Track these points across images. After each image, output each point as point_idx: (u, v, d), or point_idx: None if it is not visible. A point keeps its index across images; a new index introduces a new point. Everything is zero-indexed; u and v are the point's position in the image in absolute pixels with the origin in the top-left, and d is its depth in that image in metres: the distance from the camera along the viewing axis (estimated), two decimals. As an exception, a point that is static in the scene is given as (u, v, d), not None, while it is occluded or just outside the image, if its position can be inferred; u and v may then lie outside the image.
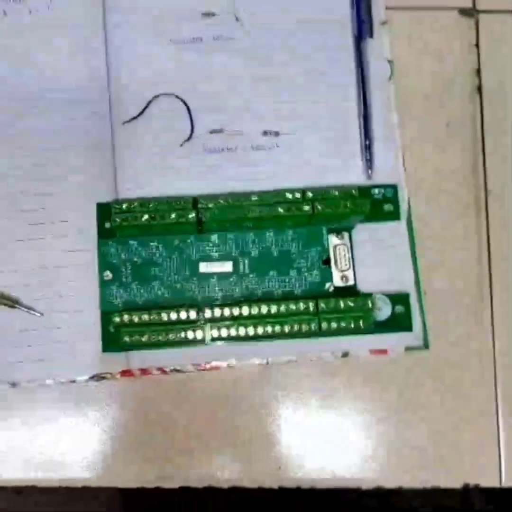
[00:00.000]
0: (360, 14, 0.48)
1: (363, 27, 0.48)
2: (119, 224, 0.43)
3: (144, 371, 0.45)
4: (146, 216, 0.43)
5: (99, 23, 0.48)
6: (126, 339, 0.42)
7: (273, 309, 0.42)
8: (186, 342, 0.43)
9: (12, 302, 0.44)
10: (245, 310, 0.42)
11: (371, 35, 0.48)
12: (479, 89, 0.48)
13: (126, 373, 0.45)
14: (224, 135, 0.47)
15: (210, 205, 0.43)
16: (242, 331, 0.43)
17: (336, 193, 0.44)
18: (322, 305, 0.42)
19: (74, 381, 0.45)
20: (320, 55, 0.48)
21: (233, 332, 0.43)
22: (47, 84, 0.47)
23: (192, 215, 0.43)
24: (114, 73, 0.47)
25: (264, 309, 0.42)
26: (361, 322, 0.43)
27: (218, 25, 0.48)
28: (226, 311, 0.42)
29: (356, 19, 0.48)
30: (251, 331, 0.43)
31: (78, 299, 0.45)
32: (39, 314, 0.44)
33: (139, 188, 0.46)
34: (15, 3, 0.48)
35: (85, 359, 0.44)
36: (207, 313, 0.42)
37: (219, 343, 0.43)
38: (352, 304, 0.42)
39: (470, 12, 0.49)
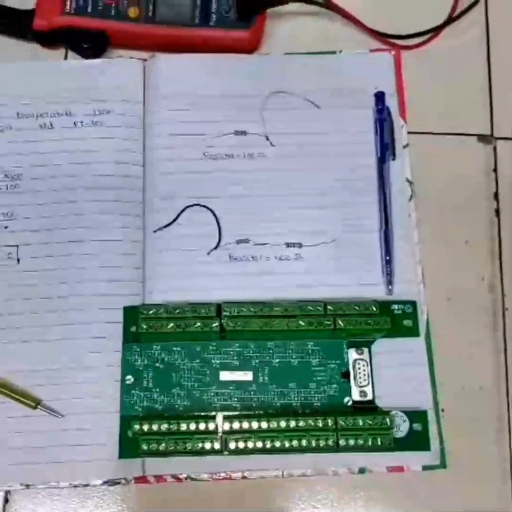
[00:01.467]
0: (383, 138, 0.46)
1: (386, 150, 0.46)
2: (145, 331, 0.40)
3: (158, 478, 0.40)
4: (171, 324, 0.40)
5: (139, 135, 0.46)
6: (144, 447, 0.38)
7: (292, 424, 0.38)
8: (203, 452, 0.39)
9: (35, 403, 0.41)
10: (264, 424, 0.38)
11: (393, 158, 0.46)
12: (497, 211, 0.46)
13: (140, 479, 0.40)
14: (250, 245, 0.45)
15: (234, 315, 0.40)
16: (259, 444, 0.38)
17: (357, 308, 0.41)
18: (341, 422, 0.38)
19: (87, 485, 0.40)
20: (344, 175, 0.46)
21: (250, 444, 0.38)
22: (86, 195, 0.45)
23: (216, 324, 0.39)
24: (149, 181, 0.45)
25: (282, 423, 0.38)
26: (379, 440, 0.38)
27: (249, 143, 0.46)
28: (245, 424, 0.38)
29: (379, 143, 0.46)
30: (268, 444, 0.38)
31: (99, 402, 0.41)
32: (59, 416, 0.41)
33: (166, 292, 0.43)
34: (63, 116, 0.46)
35: (101, 463, 0.40)
36: (226, 426, 0.38)
37: (235, 454, 0.39)
38: (370, 422, 0.38)
39: (488, 139, 0.47)
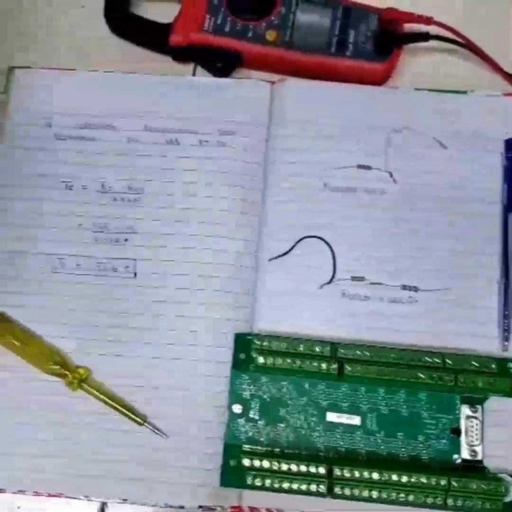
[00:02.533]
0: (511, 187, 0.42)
1: (513, 200, 0.42)
2: (258, 362, 0.37)
3: (254, 510, 0.38)
4: (285, 359, 0.37)
5: (261, 160, 0.43)
6: (249, 481, 0.36)
7: (404, 479, 0.35)
8: (306, 493, 0.36)
9: (141, 420, 0.39)
10: (375, 475, 0.35)
11: (520, 208, 0.42)
12: None
13: (236, 508, 0.38)
14: (364, 284, 0.41)
15: (350, 358, 0.37)
16: (365, 493, 0.35)
17: (476, 364, 0.37)
18: (454, 483, 0.35)
19: (183, 507, 0.38)
20: (466, 221, 0.42)
21: (356, 492, 0.35)
22: (207, 216, 0.42)
23: (334, 366, 0.37)
24: (268, 207, 0.42)
25: (394, 477, 0.35)
26: (488, 504, 0.35)
27: (372, 178, 0.43)
28: (356, 473, 0.35)
29: (507, 192, 0.42)
30: (375, 494, 0.35)
31: (203, 426, 0.38)
32: (165, 436, 0.38)
33: (274, 322, 0.40)
34: (189, 134, 0.44)
35: (199, 488, 0.37)
36: (335, 471, 0.35)
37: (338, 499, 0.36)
38: (484, 487, 0.35)
39: None
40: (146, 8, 0.46)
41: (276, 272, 0.41)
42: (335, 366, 0.36)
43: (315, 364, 0.36)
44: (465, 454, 0.36)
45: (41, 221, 0.42)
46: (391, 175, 0.42)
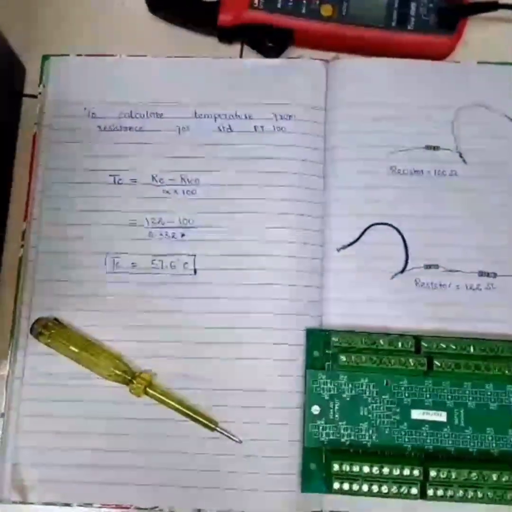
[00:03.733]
0: None
1: None
2: (337, 360, 0.38)
3: (337, 515, 0.39)
4: (363, 359, 0.38)
5: (320, 144, 0.43)
6: (336, 485, 0.36)
7: (505, 478, 0.36)
8: (396, 496, 0.37)
9: (213, 425, 0.39)
10: (473, 475, 0.36)
11: None
12: None
13: (317, 514, 0.38)
14: (439, 272, 0.42)
15: (436, 351, 0.38)
16: (460, 493, 0.36)
17: None
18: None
19: (260, 515, 0.39)
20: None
21: (450, 492, 0.36)
22: (266, 207, 0.43)
23: (422, 361, 0.37)
24: (331, 194, 0.43)
25: (494, 476, 0.36)
26: None
27: (441, 159, 0.43)
28: (453, 473, 0.36)
29: None
30: (470, 494, 0.36)
31: (278, 429, 0.39)
32: (237, 440, 0.39)
33: (345, 315, 0.41)
34: (243, 120, 0.44)
35: (278, 494, 0.38)
36: (432, 472, 0.36)
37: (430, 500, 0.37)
38: None
39: None
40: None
41: (345, 262, 0.41)
42: (423, 361, 0.37)
43: (402, 359, 0.37)
44: (561, 447, 0.37)
45: (91, 219, 0.42)
46: (461, 155, 0.43)
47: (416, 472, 0.36)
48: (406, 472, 0.36)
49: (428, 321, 0.40)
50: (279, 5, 0.43)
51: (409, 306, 0.41)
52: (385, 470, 0.36)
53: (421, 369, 0.37)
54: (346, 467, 0.36)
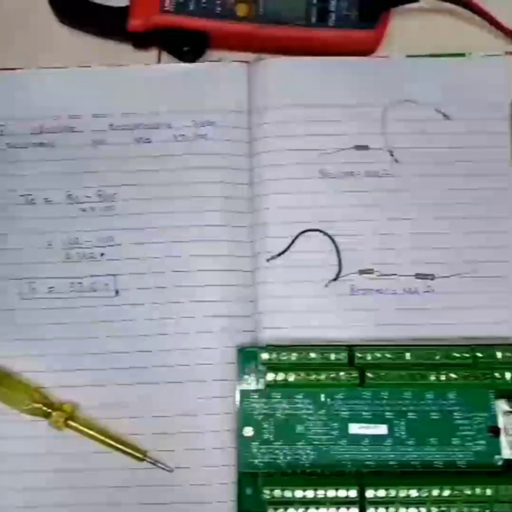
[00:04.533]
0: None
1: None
2: (265, 381, 0.38)
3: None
4: (295, 375, 0.38)
5: (245, 151, 0.44)
6: (272, 509, 0.36)
7: (446, 492, 0.36)
8: (336, 517, 0.36)
9: (141, 455, 0.39)
10: (413, 492, 0.36)
11: (536, 177, 0.43)
12: None
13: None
14: (374, 277, 0.42)
15: (370, 362, 0.38)
16: (401, 511, 0.36)
17: (508, 354, 0.38)
18: (488, 490, 0.36)
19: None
20: (479, 196, 0.43)
21: (391, 510, 0.36)
22: (190, 219, 0.43)
23: (354, 374, 0.37)
24: (258, 203, 0.43)
25: (434, 492, 0.36)
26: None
27: (371, 159, 0.44)
28: (391, 492, 0.36)
29: (520, 160, 0.43)
30: (412, 511, 0.36)
31: (211, 454, 0.39)
32: (169, 469, 0.39)
33: (280, 329, 0.41)
34: (162, 129, 0.44)
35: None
36: (369, 493, 0.36)
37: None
38: (532, 490, 0.36)
39: None
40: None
41: (275, 273, 0.41)
42: (355, 374, 0.37)
43: (333, 374, 0.37)
44: (507, 452, 0.37)
45: (4, 242, 0.42)
46: (392, 154, 0.43)
47: (352, 493, 0.35)
48: (343, 493, 0.35)
49: (365, 329, 0.41)
50: (191, 7, 0.43)
51: (345, 314, 0.41)
52: (320, 493, 0.35)
53: (354, 382, 0.37)
54: (279, 493, 0.36)
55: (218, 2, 0.43)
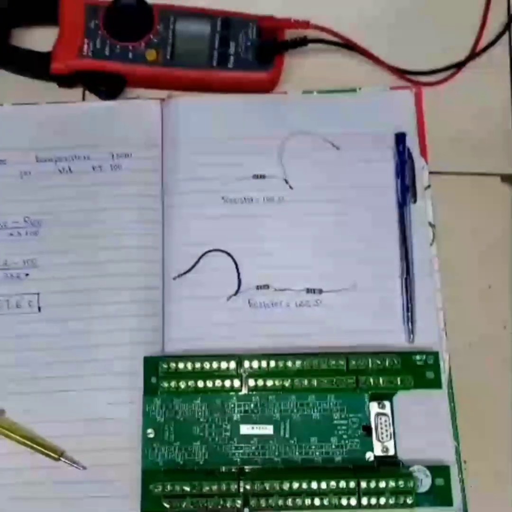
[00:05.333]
0: (404, 181, 0.43)
1: (406, 193, 0.43)
2: (166, 384, 0.38)
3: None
4: (192, 379, 0.38)
5: (158, 179, 0.44)
6: (166, 505, 0.37)
7: (314, 485, 0.36)
8: (224, 511, 0.37)
9: (57, 455, 0.39)
10: (286, 485, 0.37)
11: (414, 201, 0.44)
12: (521, 254, 0.43)
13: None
14: (270, 291, 0.42)
15: (254, 371, 0.38)
16: (281, 502, 0.37)
17: (379, 362, 0.39)
18: (363, 484, 0.36)
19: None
20: (364, 219, 0.43)
21: (272, 502, 0.37)
22: (105, 241, 0.43)
23: (237, 381, 0.38)
24: (168, 226, 0.43)
25: (304, 485, 0.37)
26: (401, 499, 0.37)
27: (268, 187, 0.44)
28: (267, 484, 0.36)
29: (400, 186, 0.43)
30: (290, 502, 0.37)
31: (120, 454, 0.39)
32: (81, 468, 0.39)
33: (185, 341, 0.41)
34: (81, 160, 0.44)
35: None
36: (247, 485, 0.37)
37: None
38: (393, 484, 0.36)
39: None
40: (29, 35, 0.46)
41: (182, 290, 0.42)
42: (238, 382, 0.38)
43: (219, 382, 0.38)
44: (378, 450, 0.38)
45: None
46: (287, 182, 0.43)
47: (234, 486, 0.36)
48: (224, 487, 0.36)
49: (261, 340, 0.41)
50: (107, 52, 0.44)
51: (243, 326, 0.41)
52: (207, 487, 0.36)
53: (238, 389, 0.38)
54: (172, 487, 0.36)
55: (130, 48, 0.44)
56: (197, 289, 0.42)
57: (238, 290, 0.42)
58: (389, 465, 0.38)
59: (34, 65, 0.45)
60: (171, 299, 0.42)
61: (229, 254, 0.43)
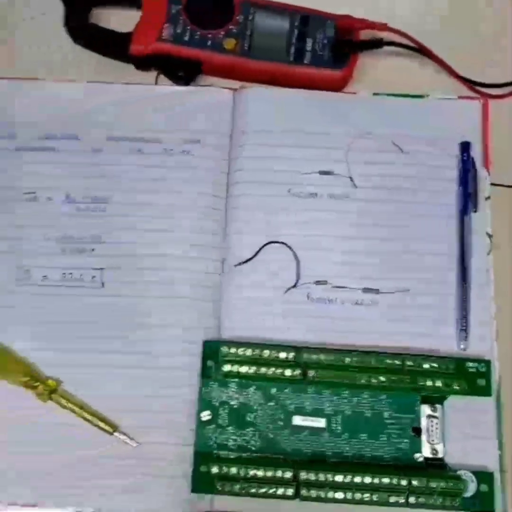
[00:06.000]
0: (467, 189, 0.41)
1: (468, 202, 0.41)
2: (224, 369, 0.36)
3: (225, 515, 0.37)
4: (250, 365, 0.36)
5: (225, 168, 0.41)
6: (219, 487, 0.35)
7: (367, 480, 0.34)
8: (274, 496, 0.35)
9: (112, 429, 0.37)
10: (338, 478, 0.34)
11: (475, 210, 0.41)
12: None
13: (207, 514, 0.37)
14: (328, 287, 0.40)
15: (314, 362, 0.36)
16: (331, 494, 0.35)
17: (435, 365, 0.36)
18: (414, 482, 0.34)
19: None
20: (424, 223, 0.41)
21: (322, 494, 0.35)
22: (167, 224, 0.40)
23: (298, 371, 0.36)
24: (231, 215, 0.41)
25: (357, 479, 0.34)
26: (448, 501, 0.35)
27: (334, 183, 0.41)
28: (320, 475, 0.34)
29: (462, 194, 0.41)
30: (340, 495, 0.34)
31: (174, 434, 0.37)
32: (135, 444, 0.37)
33: (242, 329, 0.39)
34: (153, 143, 0.42)
35: (172, 495, 0.36)
36: (301, 475, 0.35)
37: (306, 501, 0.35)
38: (444, 485, 0.34)
39: None
40: (109, 17, 0.43)
41: (242, 278, 0.39)
42: (299, 371, 0.36)
43: (280, 370, 0.35)
44: (427, 452, 0.36)
45: (5, 233, 0.40)
46: (352, 180, 0.41)
47: (288, 474, 0.34)
48: (279, 474, 0.34)
49: (317, 334, 0.39)
50: (186, 38, 0.41)
51: (300, 319, 0.39)
52: (261, 473, 0.34)
53: (298, 378, 0.35)
54: (225, 470, 0.34)
55: (209, 35, 0.41)
56: (256, 278, 0.40)
57: (296, 283, 0.40)
58: (437, 468, 0.35)
59: (114, 45, 0.42)
60: (230, 286, 0.39)
61: (290, 247, 0.40)
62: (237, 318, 0.39)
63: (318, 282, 0.40)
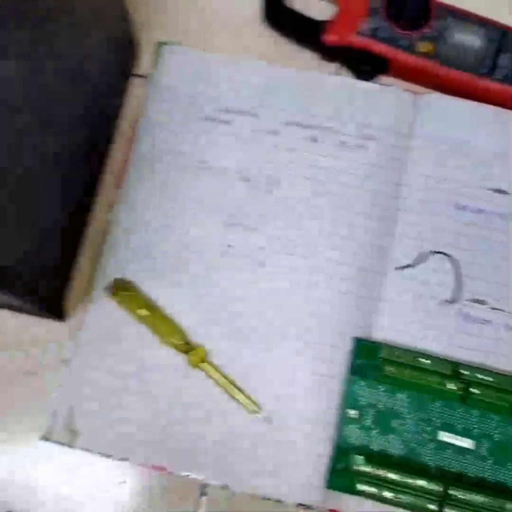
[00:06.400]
0: None
1: None
2: (377, 373, 0.34)
3: (353, 516, 0.34)
4: (404, 374, 0.34)
5: (397, 169, 0.39)
6: (360, 487, 0.33)
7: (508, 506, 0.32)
8: (414, 508, 0.33)
9: (255, 406, 0.35)
10: (486, 501, 0.32)
11: None
12: None
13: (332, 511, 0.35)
14: (486, 308, 0.37)
15: (475, 380, 0.34)
16: (473, 517, 0.32)
17: None
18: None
19: (280, 501, 0.35)
20: None
21: (465, 515, 0.32)
22: (335, 215, 0.39)
23: (460, 386, 0.33)
24: (400, 217, 0.38)
25: (508, 505, 0.32)
26: None
27: (505, 203, 0.39)
28: (469, 495, 0.32)
29: None
30: (485, 519, 0.32)
31: (314, 424, 0.35)
32: (271, 424, 0.35)
33: (392, 332, 0.36)
34: (329, 133, 0.40)
35: (303, 485, 0.34)
36: (452, 491, 0.32)
37: (446, 519, 0.33)
38: None
39: None
40: (301, 2, 0.41)
41: (400, 282, 0.37)
42: (461, 386, 0.33)
43: (439, 381, 0.33)
44: None
45: (174, 203, 0.38)
46: (524, 234, 0.38)
47: (438, 488, 0.31)
48: (428, 486, 0.31)
49: (468, 352, 0.36)
50: (382, 35, 0.39)
51: (452, 335, 0.37)
52: (408, 481, 0.32)
53: (458, 393, 0.33)
54: (372, 471, 0.32)
55: (405, 35, 0.39)
56: (414, 285, 0.37)
57: (453, 298, 0.37)
58: None
59: (305, 32, 0.40)
60: (388, 288, 0.37)
61: (453, 260, 0.37)
62: (389, 321, 0.37)
63: (476, 301, 0.37)
